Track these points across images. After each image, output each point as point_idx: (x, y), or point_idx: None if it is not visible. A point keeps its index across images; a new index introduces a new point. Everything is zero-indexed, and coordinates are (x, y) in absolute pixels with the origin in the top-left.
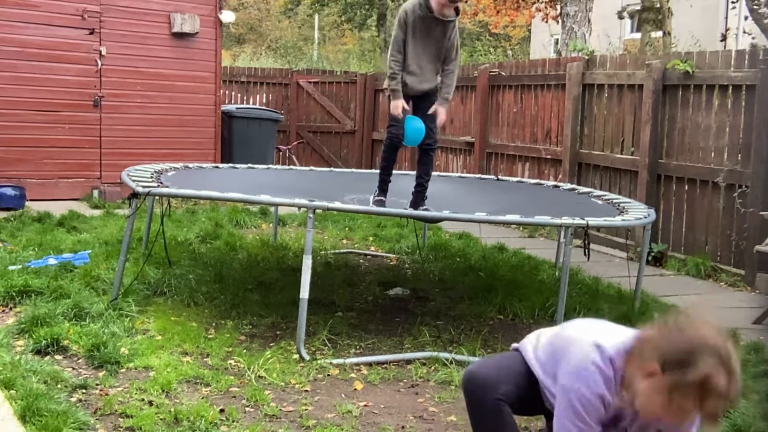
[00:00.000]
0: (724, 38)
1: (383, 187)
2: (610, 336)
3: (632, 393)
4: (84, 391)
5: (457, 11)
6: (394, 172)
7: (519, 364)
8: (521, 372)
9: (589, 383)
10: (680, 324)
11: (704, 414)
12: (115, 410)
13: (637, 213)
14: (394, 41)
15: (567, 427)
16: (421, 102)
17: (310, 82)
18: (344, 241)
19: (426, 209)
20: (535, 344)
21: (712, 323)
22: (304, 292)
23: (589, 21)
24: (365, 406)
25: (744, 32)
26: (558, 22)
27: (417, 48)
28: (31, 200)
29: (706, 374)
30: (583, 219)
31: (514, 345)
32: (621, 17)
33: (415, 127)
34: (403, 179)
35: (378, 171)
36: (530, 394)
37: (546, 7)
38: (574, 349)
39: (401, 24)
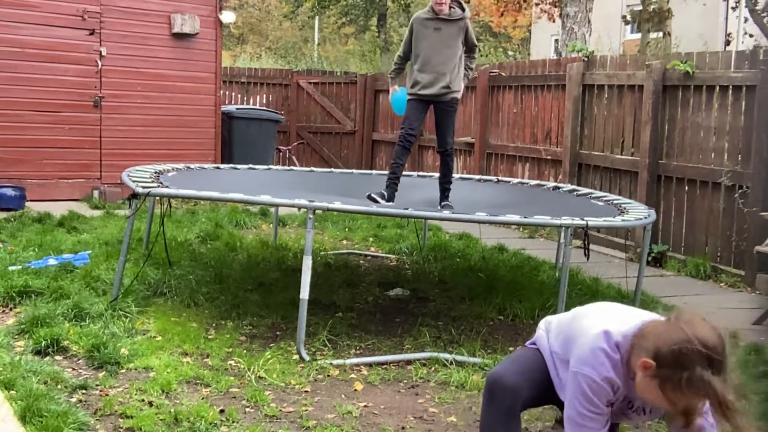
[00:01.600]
0: (727, 43)
1: (388, 184)
2: (620, 320)
3: (634, 381)
4: (84, 391)
5: (462, 8)
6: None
7: (538, 363)
8: (540, 371)
9: (597, 367)
10: (679, 321)
11: (708, 407)
12: (115, 411)
13: (637, 213)
14: (402, 44)
15: (578, 410)
16: (438, 109)
17: (310, 83)
18: (344, 242)
19: (447, 204)
20: (546, 333)
21: (711, 323)
22: (304, 293)
23: (589, 21)
24: (365, 406)
25: (745, 33)
26: (554, 21)
27: (427, 48)
28: (31, 201)
29: (696, 375)
30: (583, 219)
31: (531, 341)
32: (627, 22)
33: (396, 97)
34: (403, 179)
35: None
36: (546, 389)
37: (550, 8)
38: (583, 338)
39: (409, 30)
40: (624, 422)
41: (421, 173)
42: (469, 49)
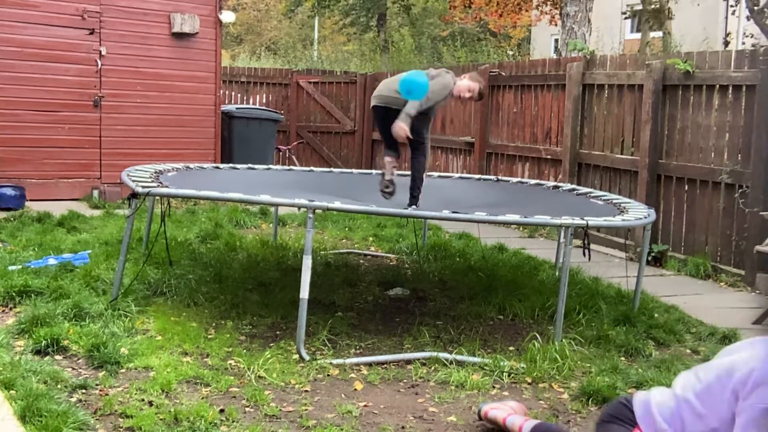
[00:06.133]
0: (726, 44)
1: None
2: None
3: None
4: (84, 391)
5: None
6: (394, 172)
7: None
8: None
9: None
10: None
11: None
12: (115, 410)
13: (637, 213)
14: None
15: None
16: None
17: (310, 82)
18: (344, 241)
19: (414, 208)
20: (662, 398)
21: None
22: (304, 292)
23: (589, 21)
24: (365, 406)
25: (744, 34)
26: (556, 24)
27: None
28: (31, 200)
29: None
30: (583, 219)
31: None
32: (627, 17)
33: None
34: (402, 179)
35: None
36: None
37: (551, 10)
38: (743, 365)
39: None
40: None
41: None
42: None
